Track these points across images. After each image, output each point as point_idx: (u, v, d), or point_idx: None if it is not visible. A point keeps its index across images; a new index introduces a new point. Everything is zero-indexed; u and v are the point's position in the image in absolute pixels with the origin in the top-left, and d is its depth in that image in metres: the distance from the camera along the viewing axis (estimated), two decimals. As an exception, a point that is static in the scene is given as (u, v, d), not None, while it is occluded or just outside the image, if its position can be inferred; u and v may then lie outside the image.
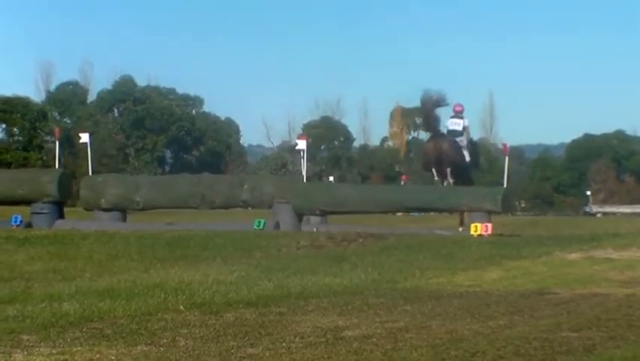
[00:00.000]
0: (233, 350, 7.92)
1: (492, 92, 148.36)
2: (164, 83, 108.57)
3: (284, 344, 8.23)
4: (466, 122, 26.35)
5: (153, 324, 9.35)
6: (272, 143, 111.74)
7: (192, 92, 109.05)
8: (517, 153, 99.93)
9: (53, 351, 7.85)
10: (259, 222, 26.08)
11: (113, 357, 7.63)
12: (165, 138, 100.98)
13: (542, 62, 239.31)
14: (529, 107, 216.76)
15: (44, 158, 73.82)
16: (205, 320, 9.68)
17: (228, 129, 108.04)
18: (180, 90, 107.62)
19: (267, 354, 7.77)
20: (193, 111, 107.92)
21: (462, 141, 26.19)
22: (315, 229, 25.38)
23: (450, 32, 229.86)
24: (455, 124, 26.29)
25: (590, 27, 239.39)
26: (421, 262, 16.29)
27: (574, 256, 17.33)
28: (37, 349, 7.96)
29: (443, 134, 26.32)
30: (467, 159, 26.17)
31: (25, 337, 8.57)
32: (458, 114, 26.52)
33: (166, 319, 9.73)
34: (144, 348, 8.03)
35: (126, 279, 13.60)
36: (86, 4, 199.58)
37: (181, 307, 10.58)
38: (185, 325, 9.36)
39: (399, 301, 11.39)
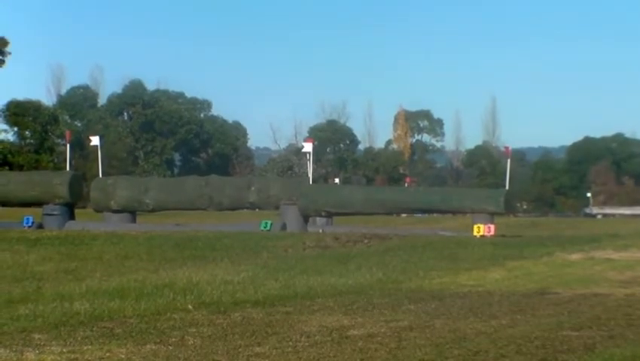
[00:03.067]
0: (240, 349, 8.11)
1: (495, 96, 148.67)
2: (173, 86, 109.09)
3: (290, 343, 8.41)
4: None
5: (162, 323, 9.55)
6: (278, 145, 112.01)
7: (200, 96, 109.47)
8: (519, 156, 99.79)
9: (64, 350, 8.01)
10: (265, 223, 26.28)
11: (123, 356, 7.81)
12: (174, 141, 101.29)
13: (543, 67, 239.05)
14: (531, 110, 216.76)
15: (55, 160, 74.17)
16: (214, 319, 9.88)
17: (236, 132, 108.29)
18: (189, 94, 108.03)
19: (274, 353, 7.95)
20: (202, 115, 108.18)
21: None
22: (320, 230, 25.57)
23: (453, 37, 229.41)
24: None
25: (591, 32, 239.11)
26: (424, 263, 16.46)
27: (574, 256, 17.48)
28: (48, 347, 8.13)
29: None
30: None
31: (36, 335, 8.76)
32: None
33: (175, 318, 9.93)
34: (154, 347, 8.23)
35: (136, 279, 13.80)
36: (95, 9, 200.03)
37: (190, 306, 10.79)
38: (193, 324, 9.55)
39: (403, 300, 11.57)
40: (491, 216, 24.65)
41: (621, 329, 9.45)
